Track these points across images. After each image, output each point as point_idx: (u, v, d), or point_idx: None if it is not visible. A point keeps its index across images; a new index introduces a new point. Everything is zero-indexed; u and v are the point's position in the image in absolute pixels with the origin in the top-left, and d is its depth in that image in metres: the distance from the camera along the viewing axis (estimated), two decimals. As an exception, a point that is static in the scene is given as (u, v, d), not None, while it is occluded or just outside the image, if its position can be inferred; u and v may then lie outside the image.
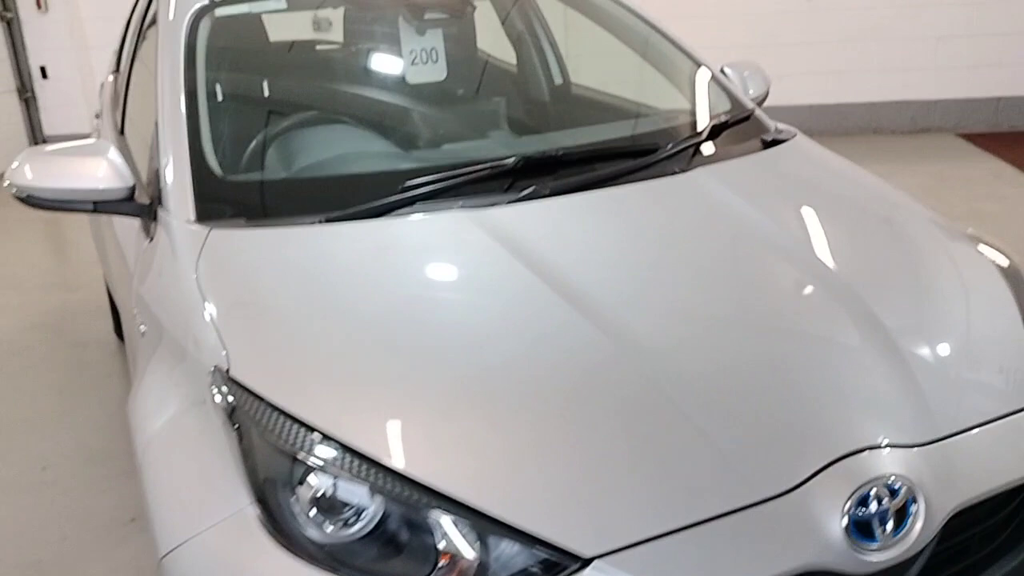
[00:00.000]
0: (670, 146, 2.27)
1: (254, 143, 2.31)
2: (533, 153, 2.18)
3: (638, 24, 2.88)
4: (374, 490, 1.41)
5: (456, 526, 1.38)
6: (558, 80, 3.09)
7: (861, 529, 1.45)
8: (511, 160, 2.12)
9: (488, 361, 1.61)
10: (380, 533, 1.41)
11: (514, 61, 3.05)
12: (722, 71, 2.90)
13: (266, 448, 1.48)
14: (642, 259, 1.92)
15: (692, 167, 2.21)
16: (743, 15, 7.26)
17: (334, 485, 1.43)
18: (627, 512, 1.40)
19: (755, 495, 1.43)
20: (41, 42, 7.83)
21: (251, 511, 1.45)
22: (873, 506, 1.45)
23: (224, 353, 1.63)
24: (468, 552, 1.37)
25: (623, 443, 1.47)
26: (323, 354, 1.64)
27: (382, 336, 1.66)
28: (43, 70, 7.89)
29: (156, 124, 2.27)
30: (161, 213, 2.11)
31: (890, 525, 1.46)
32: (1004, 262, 2.09)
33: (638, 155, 2.23)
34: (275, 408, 1.51)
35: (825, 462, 1.48)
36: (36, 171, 2.16)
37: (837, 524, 1.43)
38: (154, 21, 2.72)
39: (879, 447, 1.51)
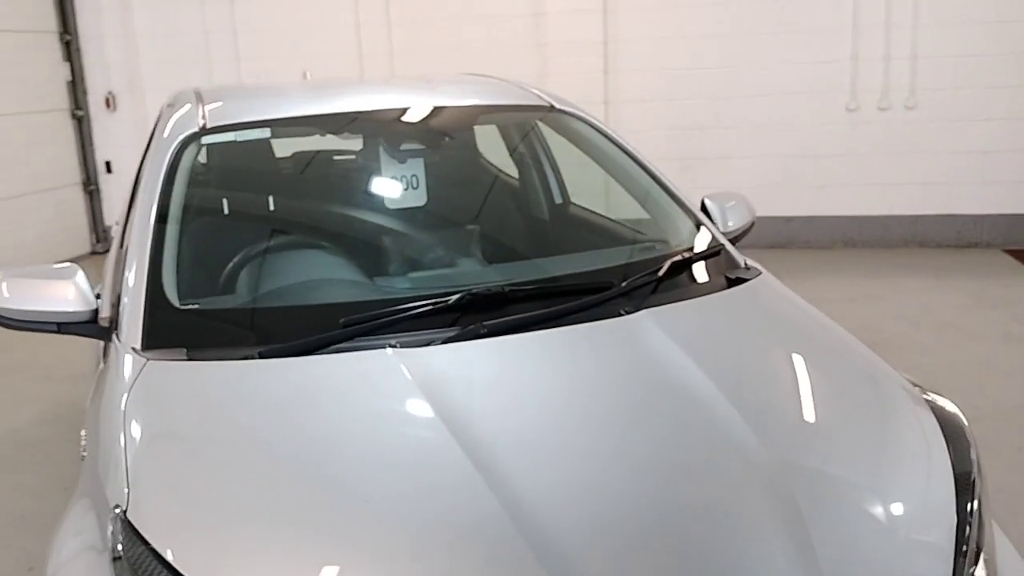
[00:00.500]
0: (623, 284, 2.27)
1: (212, 271, 2.39)
2: (479, 289, 2.20)
3: (615, 154, 2.91)
4: None
5: None
6: (538, 208, 3.13)
7: None
8: (453, 298, 2.15)
9: (374, 513, 1.60)
10: None
11: (499, 186, 3.11)
12: (702, 203, 2.90)
13: None
14: (556, 410, 1.90)
15: (640, 308, 2.20)
16: (785, 125, 7.28)
17: None
18: None
19: None
20: (108, 138, 8.26)
21: None
22: None
23: (126, 492, 1.66)
24: None
25: None
26: (216, 501, 1.65)
27: (276, 484, 1.68)
28: (108, 164, 8.31)
29: (125, 247, 2.37)
30: (114, 338, 2.18)
31: None
32: (957, 418, 2.03)
33: (589, 293, 2.24)
34: (156, 555, 1.53)
35: None
36: (12, 291, 2.26)
37: None
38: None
39: None
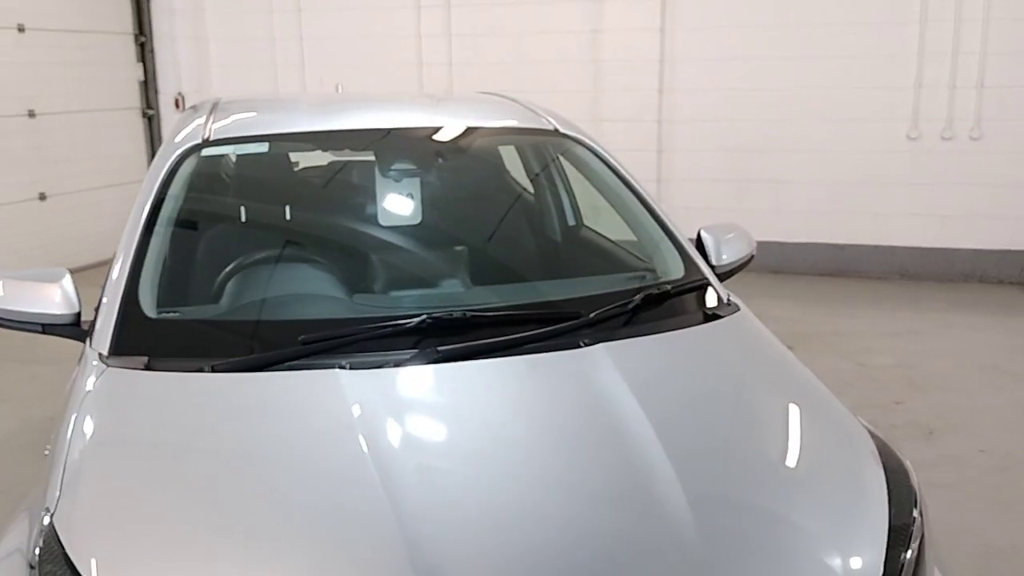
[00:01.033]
0: (590, 316, 2.26)
1: (193, 281, 2.46)
2: (442, 313, 2.22)
3: (612, 181, 2.90)
4: None
5: None
6: (532, 231, 3.12)
7: None
8: (414, 321, 2.17)
9: (281, 535, 1.63)
10: None
11: (493, 208, 3.11)
12: (698, 234, 2.86)
13: None
14: (485, 440, 1.91)
15: (601, 341, 2.19)
16: (843, 150, 7.12)
17: None
18: None
19: None
20: (176, 138, 8.52)
21: None
22: None
23: (57, 496, 1.72)
24: None
25: None
26: (140, 512, 1.69)
27: (198, 498, 1.71)
28: (175, 163, 8.57)
29: (114, 254, 2.46)
30: (87, 342, 2.26)
31: None
32: (904, 467, 1.97)
33: (554, 322, 2.24)
34: (67, 563, 1.58)
35: None
36: (2, 291, 2.37)
37: None
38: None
39: None
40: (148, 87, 8.39)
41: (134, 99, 8.31)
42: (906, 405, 4.67)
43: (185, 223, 2.61)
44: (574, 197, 3.40)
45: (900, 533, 1.76)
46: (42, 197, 7.28)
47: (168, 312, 2.35)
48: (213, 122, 2.84)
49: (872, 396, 4.79)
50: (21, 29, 7.09)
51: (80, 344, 2.42)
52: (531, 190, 3.28)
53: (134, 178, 8.38)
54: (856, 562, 1.69)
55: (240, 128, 2.87)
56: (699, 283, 2.54)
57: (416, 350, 2.12)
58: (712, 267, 2.77)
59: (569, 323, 2.22)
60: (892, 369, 5.20)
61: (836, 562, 1.68)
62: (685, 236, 2.77)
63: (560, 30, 7.53)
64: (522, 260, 2.85)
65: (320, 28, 8.07)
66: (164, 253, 2.45)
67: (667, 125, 7.46)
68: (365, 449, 1.79)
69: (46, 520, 1.68)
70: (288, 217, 2.89)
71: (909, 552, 1.73)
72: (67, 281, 2.39)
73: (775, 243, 7.37)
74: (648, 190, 2.94)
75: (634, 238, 2.83)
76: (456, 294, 2.60)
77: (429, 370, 2.07)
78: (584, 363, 2.12)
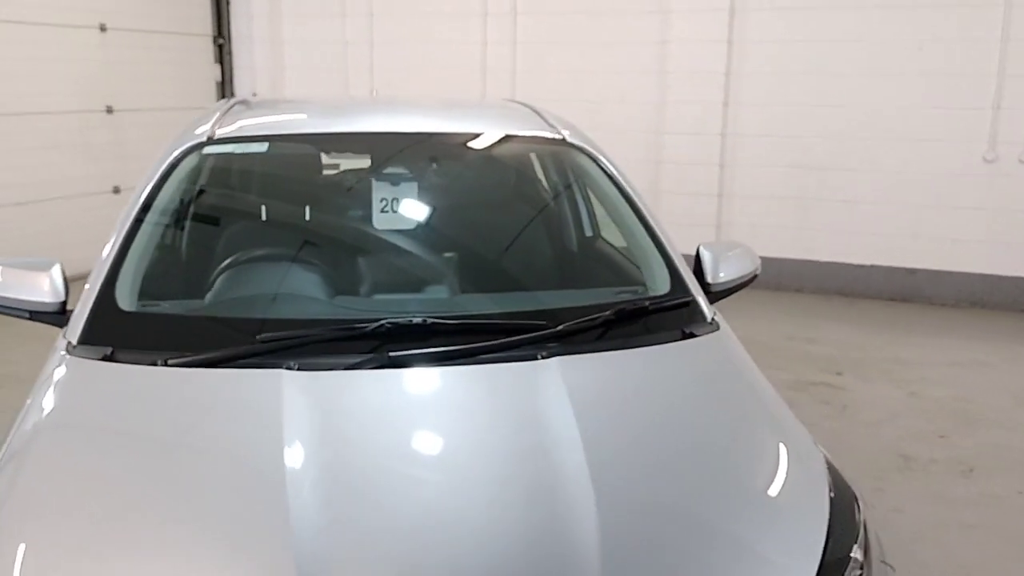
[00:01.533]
0: (556, 328, 2.21)
1: (174, 276, 2.49)
2: (401, 320, 2.20)
3: (613, 194, 2.84)
4: None
5: None
6: (526, 240, 3.07)
7: None
8: (372, 326, 2.16)
9: (183, 535, 1.63)
10: None
11: (488, 215, 3.07)
12: (697, 251, 2.78)
13: None
14: (408, 447, 1.88)
15: (557, 355, 2.13)
16: (915, 171, 6.84)
17: None
18: None
19: None
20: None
21: None
22: None
23: None
24: None
25: None
26: (66, 499, 1.71)
27: (114, 490, 1.73)
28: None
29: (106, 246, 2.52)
30: (63, 331, 2.32)
31: None
32: (851, 499, 1.90)
33: (517, 333, 2.19)
34: None
35: None
36: None
37: None
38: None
39: None
40: (224, 88, 8.63)
41: (211, 99, 8.56)
42: (950, 440, 4.44)
43: (174, 219, 2.65)
44: (591, 205, 3.34)
45: (834, 568, 1.70)
46: (116, 191, 7.54)
47: (146, 306, 2.39)
48: (225, 120, 2.89)
49: (916, 428, 4.57)
50: (103, 28, 7.38)
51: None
52: (533, 199, 3.23)
53: (208, 175, 8.65)
54: None
55: (246, 128, 2.91)
56: (679, 300, 2.46)
57: (370, 355, 2.11)
58: (708, 284, 2.69)
59: (526, 335, 2.17)
60: (945, 401, 4.95)
61: None
62: (679, 253, 2.69)
63: (626, 41, 7.45)
64: (510, 270, 2.81)
65: (390, 33, 8.17)
66: (150, 247, 2.50)
67: (731, 138, 7.29)
68: (283, 449, 1.79)
69: None
70: (276, 217, 2.92)
71: None
72: (56, 271, 2.45)
73: (841, 264, 7.13)
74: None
75: (616, 254, 2.77)
76: (437, 300, 2.58)
77: (374, 375, 2.05)
78: (533, 376, 2.08)
